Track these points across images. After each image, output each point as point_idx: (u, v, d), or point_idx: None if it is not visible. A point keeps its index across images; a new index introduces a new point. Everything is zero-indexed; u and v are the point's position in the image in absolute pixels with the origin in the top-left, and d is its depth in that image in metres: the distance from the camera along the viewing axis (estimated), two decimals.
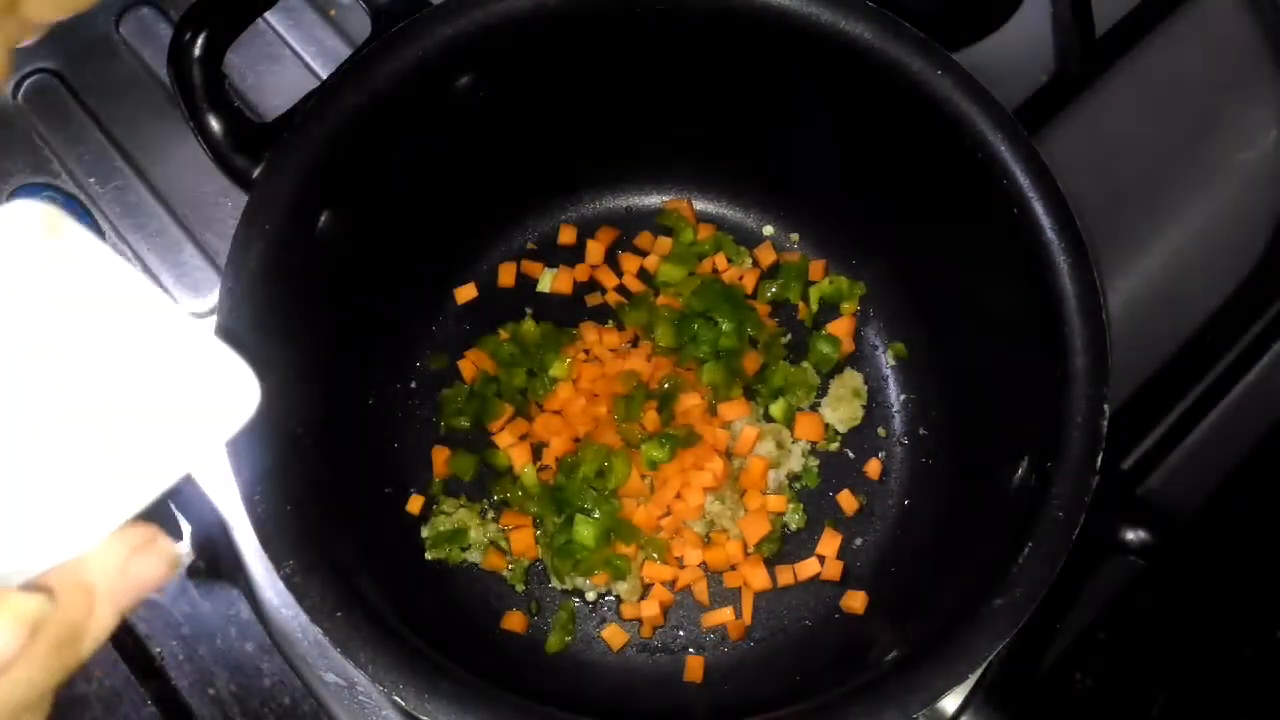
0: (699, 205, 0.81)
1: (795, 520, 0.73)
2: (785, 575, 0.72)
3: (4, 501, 0.34)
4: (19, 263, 0.35)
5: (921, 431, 0.75)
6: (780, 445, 0.74)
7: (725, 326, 0.75)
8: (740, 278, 0.78)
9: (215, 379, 0.36)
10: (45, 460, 0.34)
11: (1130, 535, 0.65)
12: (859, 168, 0.73)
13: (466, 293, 0.78)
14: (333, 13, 0.84)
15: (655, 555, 0.71)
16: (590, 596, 0.71)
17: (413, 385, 0.76)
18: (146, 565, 0.35)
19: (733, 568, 0.71)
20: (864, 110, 0.68)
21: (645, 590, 0.71)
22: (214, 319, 0.58)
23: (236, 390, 0.36)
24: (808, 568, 0.72)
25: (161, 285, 0.76)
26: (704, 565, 0.72)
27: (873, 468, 0.75)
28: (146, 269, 0.76)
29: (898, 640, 0.60)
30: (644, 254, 0.80)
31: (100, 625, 0.34)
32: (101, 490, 0.34)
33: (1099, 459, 0.57)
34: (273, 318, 0.59)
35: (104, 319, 0.36)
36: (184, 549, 0.70)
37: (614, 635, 0.70)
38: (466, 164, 0.72)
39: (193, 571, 0.69)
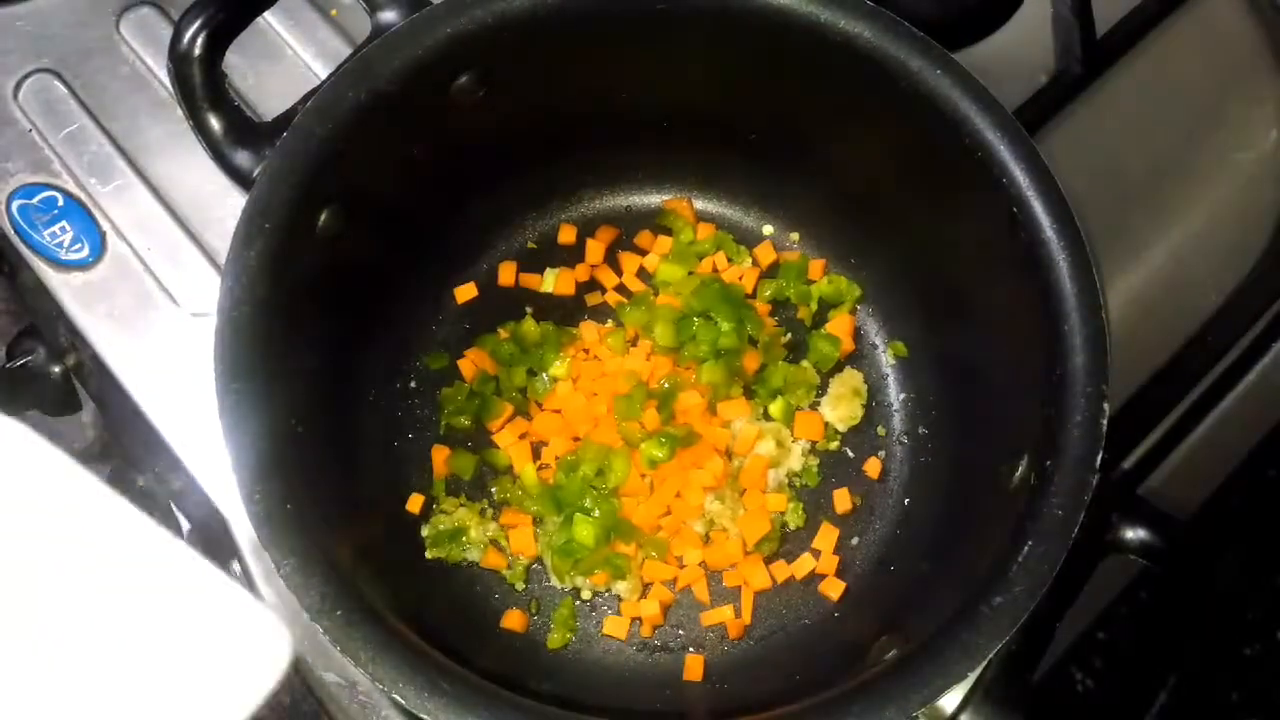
0: (699, 205, 0.81)
1: (795, 519, 0.73)
2: (785, 574, 0.72)
3: None
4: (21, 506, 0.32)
5: (921, 430, 0.75)
6: (780, 444, 0.74)
7: (725, 326, 0.75)
8: (740, 277, 0.78)
9: (245, 635, 0.33)
10: None
11: (1130, 535, 0.65)
12: (858, 167, 0.73)
13: (466, 292, 0.78)
14: (333, 13, 0.84)
15: (655, 554, 0.71)
16: (589, 595, 0.71)
17: (413, 384, 0.76)
18: None
19: (732, 567, 0.72)
20: (863, 110, 0.68)
21: (645, 589, 0.71)
22: (214, 320, 0.58)
23: (267, 646, 0.33)
24: (807, 566, 0.72)
25: (162, 286, 0.76)
26: (704, 564, 0.72)
27: (872, 467, 0.75)
28: (147, 269, 0.76)
29: (897, 639, 0.60)
30: (644, 253, 0.80)
31: None
32: None
33: (1099, 458, 0.57)
34: (273, 317, 0.59)
35: (124, 579, 0.32)
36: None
37: (614, 634, 0.70)
38: (466, 163, 0.72)
39: None
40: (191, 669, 0.32)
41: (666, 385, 0.74)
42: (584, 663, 0.70)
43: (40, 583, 0.32)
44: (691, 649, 0.71)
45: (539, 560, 0.72)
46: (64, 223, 0.77)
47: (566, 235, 0.80)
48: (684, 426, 0.73)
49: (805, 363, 0.77)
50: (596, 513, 0.70)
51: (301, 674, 0.68)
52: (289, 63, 0.82)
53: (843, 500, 0.74)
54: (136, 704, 0.31)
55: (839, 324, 0.77)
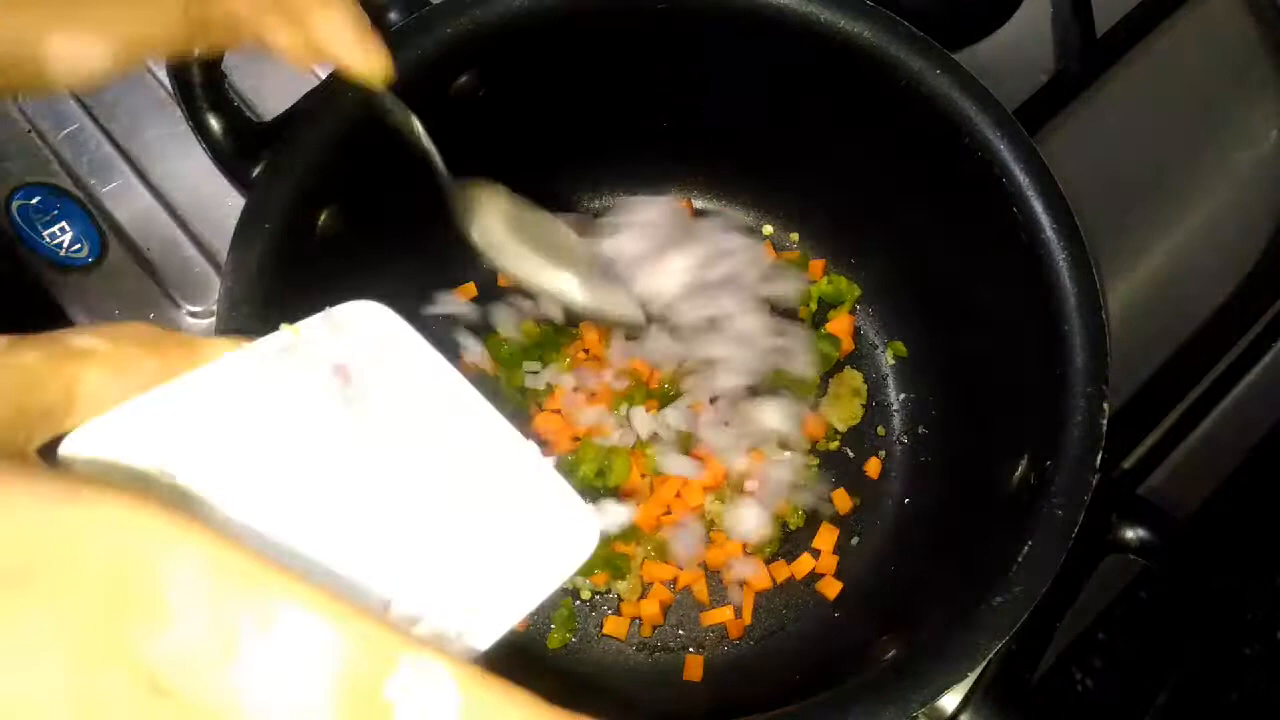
0: (699, 204, 0.81)
1: (795, 519, 0.73)
2: (784, 574, 0.72)
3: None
4: (369, 360, 0.36)
5: (921, 430, 0.75)
6: (780, 444, 0.74)
7: None
8: None
9: (557, 514, 0.36)
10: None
11: (1130, 535, 0.65)
12: (858, 167, 0.73)
13: (466, 292, 0.78)
14: None
15: (655, 554, 0.71)
16: (589, 595, 0.71)
17: None
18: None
19: (732, 567, 0.71)
20: (863, 109, 0.68)
21: (645, 589, 0.71)
22: (214, 320, 0.58)
23: (577, 529, 0.36)
24: (807, 566, 0.72)
25: (162, 286, 0.76)
26: (704, 564, 0.72)
27: (872, 466, 0.75)
28: (147, 269, 0.76)
29: (897, 639, 0.60)
30: None
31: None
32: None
33: (1099, 458, 0.57)
34: (273, 318, 0.59)
35: (453, 435, 0.36)
36: None
37: (614, 634, 0.70)
38: (465, 163, 0.72)
39: None
40: (506, 532, 0.36)
41: (667, 386, 0.74)
42: (584, 662, 0.70)
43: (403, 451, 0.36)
44: (691, 649, 0.71)
45: None
46: (64, 223, 0.77)
47: None
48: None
49: None
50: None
51: None
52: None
53: (843, 500, 0.74)
54: (466, 564, 0.34)
55: (839, 324, 0.77)
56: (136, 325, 0.35)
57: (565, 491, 0.37)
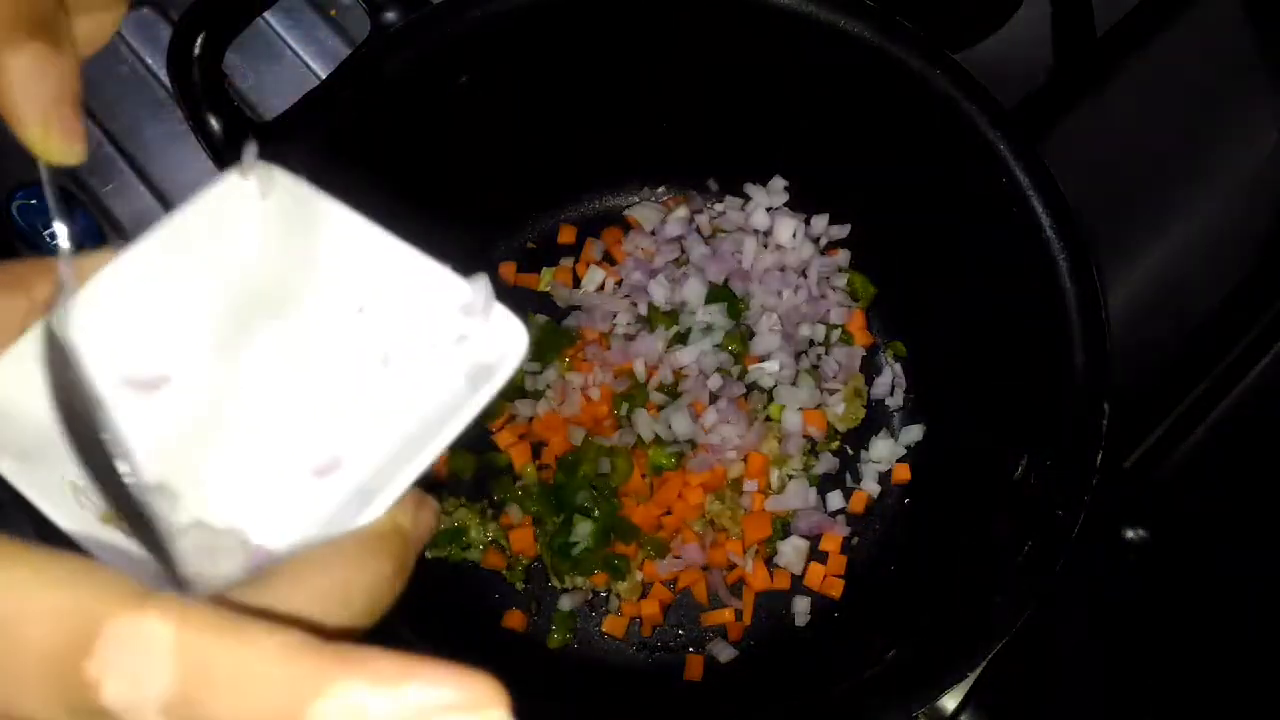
0: (699, 204, 0.81)
1: (795, 519, 0.73)
2: (785, 574, 0.72)
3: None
4: (251, 228, 0.35)
5: (921, 431, 0.75)
6: (780, 444, 0.74)
7: (724, 324, 0.75)
8: None
9: (477, 326, 0.35)
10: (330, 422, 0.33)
11: (1130, 535, 0.65)
12: (858, 167, 0.73)
13: None
14: (333, 13, 0.84)
15: (655, 554, 0.71)
16: (589, 596, 0.71)
17: None
18: (427, 516, 0.34)
19: (732, 567, 0.71)
20: (863, 109, 0.68)
21: (645, 589, 0.71)
22: None
23: (502, 336, 0.34)
24: (807, 567, 0.72)
25: None
26: (704, 564, 0.72)
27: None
28: None
29: (897, 639, 0.60)
30: None
31: (409, 569, 0.33)
32: (395, 447, 0.33)
33: (1099, 458, 0.57)
34: None
35: (350, 275, 0.35)
36: None
37: (613, 632, 0.70)
38: (466, 163, 0.72)
39: None
40: (427, 352, 0.35)
41: (666, 385, 0.74)
42: (584, 662, 0.70)
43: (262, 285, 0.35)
44: (691, 649, 0.70)
45: (539, 560, 0.72)
46: None
47: (566, 235, 0.80)
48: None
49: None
50: (596, 513, 0.70)
51: None
52: (289, 63, 0.83)
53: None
54: (386, 387, 0.34)
55: (853, 322, 0.77)
56: None
57: (490, 304, 0.35)
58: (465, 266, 0.38)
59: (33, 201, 0.77)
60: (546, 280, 0.78)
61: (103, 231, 0.77)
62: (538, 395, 0.75)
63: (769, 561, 0.72)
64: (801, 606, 0.71)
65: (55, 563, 0.24)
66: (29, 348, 0.31)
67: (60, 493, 0.31)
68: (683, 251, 0.78)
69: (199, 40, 0.62)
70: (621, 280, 0.78)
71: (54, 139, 0.35)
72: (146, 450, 0.31)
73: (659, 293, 0.75)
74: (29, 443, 0.31)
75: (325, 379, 0.34)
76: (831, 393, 0.75)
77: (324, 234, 0.36)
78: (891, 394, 0.76)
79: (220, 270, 0.35)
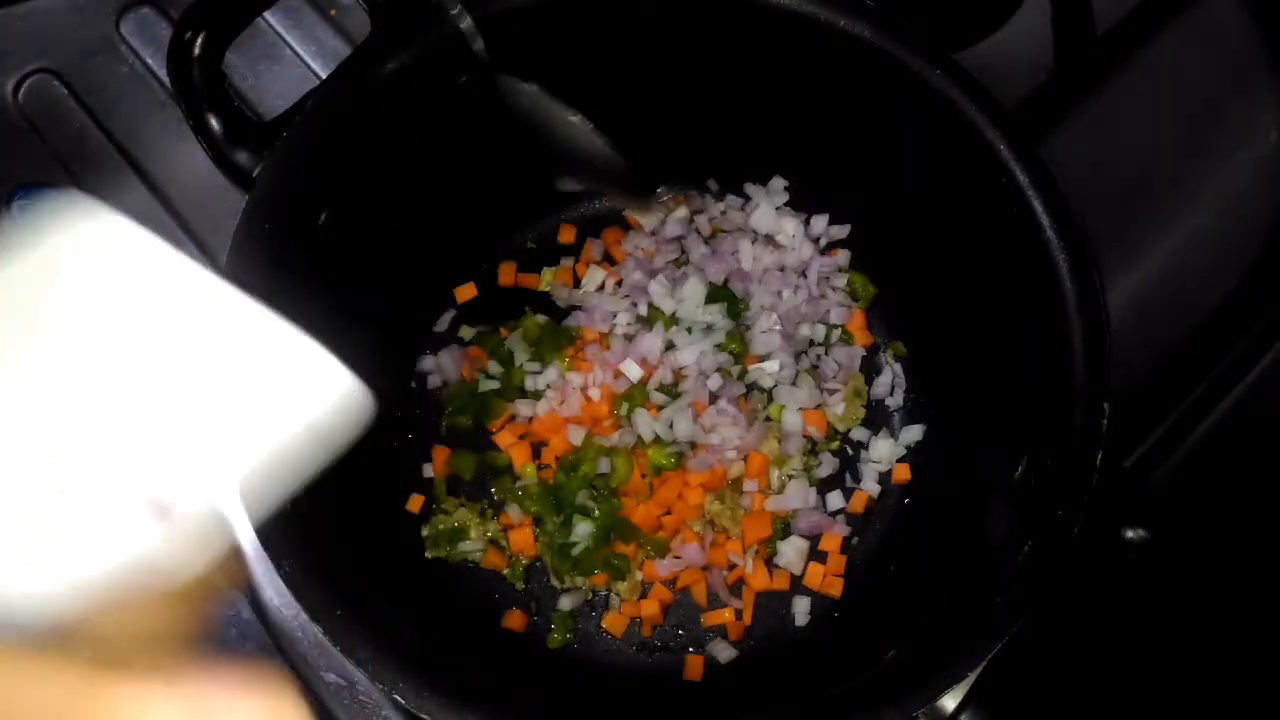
0: (700, 204, 0.81)
1: (795, 519, 0.73)
2: (785, 574, 0.72)
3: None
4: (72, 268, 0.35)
5: (921, 431, 0.75)
6: (780, 444, 0.74)
7: (725, 325, 0.75)
8: None
9: (315, 385, 0.35)
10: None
11: (1130, 535, 0.65)
12: (858, 167, 0.73)
13: (466, 292, 0.78)
14: (333, 13, 0.84)
15: (655, 554, 0.71)
16: (589, 596, 0.71)
17: (412, 385, 0.75)
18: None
19: (733, 567, 0.71)
20: (863, 109, 0.68)
21: (645, 589, 0.71)
22: None
23: (345, 402, 0.35)
24: (807, 567, 0.72)
25: None
26: (704, 564, 0.72)
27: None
28: None
29: (897, 639, 0.60)
30: None
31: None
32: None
33: (1099, 458, 0.57)
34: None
35: (183, 321, 0.35)
36: None
37: (612, 630, 0.70)
38: (466, 163, 0.72)
39: None
40: (272, 418, 0.35)
41: (666, 385, 0.74)
42: (584, 662, 0.70)
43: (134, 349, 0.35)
44: (691, 649, 0.70)
45: (539, 560, 0.72)
46: None
47: (566, 235, 0.80)
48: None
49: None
50: (596, 513, 0.70)
51: (302, 674, 0.68)
52: (289, 63, 0.83)
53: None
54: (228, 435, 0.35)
55: (853, 321, 0.77)
56: None
57: (322, 358, 0.36)
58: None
59: (33, 202, 0.77)
60: (546, 280, 0.78)
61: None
62: (538, 395, 0.75)
63: (769, 561, 0.72)
64: (801, 606, 0.71)
65: None
66: None
67: None
68: (683, 251, 0.79)
69: (199, 40, 0.62)
70: (621, 280, 0.78)
71: None
72: None
73: (659, 293, 0.75)
74: None
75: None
76: (831, 393, 0.75)
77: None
78: (891, 394, 0.76)
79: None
